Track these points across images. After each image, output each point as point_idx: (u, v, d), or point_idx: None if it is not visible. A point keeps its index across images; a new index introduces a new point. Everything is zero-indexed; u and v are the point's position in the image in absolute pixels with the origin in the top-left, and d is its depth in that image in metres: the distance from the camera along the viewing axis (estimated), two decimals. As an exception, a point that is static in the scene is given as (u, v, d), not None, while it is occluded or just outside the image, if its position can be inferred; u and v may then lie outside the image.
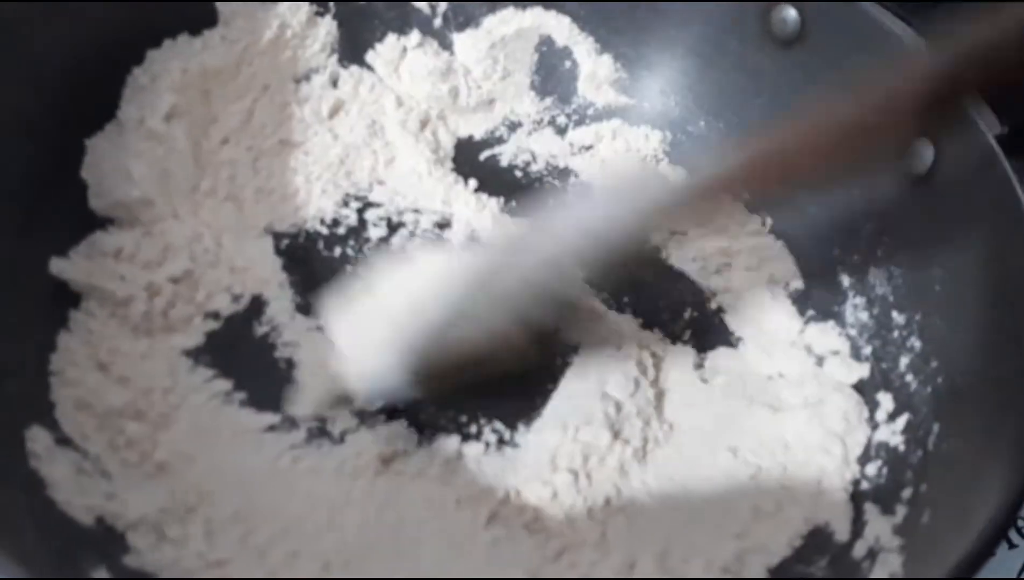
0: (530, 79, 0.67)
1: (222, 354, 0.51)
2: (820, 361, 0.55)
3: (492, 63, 0.66)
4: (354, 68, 0.64)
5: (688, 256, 0.60)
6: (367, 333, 0.49)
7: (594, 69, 0.66)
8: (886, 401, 0.52)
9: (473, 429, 0.51)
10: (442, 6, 0.65)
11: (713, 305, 0.58)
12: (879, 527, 0.46)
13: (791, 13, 0.59)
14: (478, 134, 0.65)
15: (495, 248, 0.55)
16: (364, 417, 0.50)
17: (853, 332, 0.56)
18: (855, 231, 0.57)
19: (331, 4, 0.63)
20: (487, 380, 0.49)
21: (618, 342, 0.53)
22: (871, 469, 0.50)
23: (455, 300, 0.48)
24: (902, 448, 0.50)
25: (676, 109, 0.66)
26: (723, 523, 0.47)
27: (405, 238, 0.59)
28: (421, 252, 0.55)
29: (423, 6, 0.65)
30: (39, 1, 0.50)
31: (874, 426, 0.51)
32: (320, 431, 0.49)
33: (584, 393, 0.51)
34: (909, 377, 0.52)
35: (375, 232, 0.59)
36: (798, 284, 0.59)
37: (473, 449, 0.49)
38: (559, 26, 0.66)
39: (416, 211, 0.60)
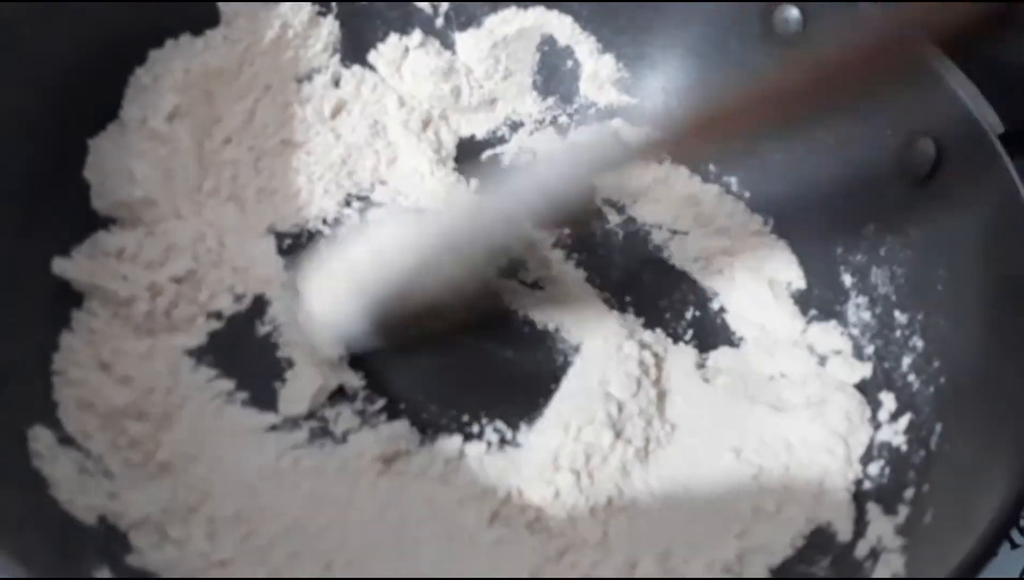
0: (532, 79, 0.67)
1: (224, 354, 0.51)
2: (822, 361, 0.55)
3: (494, 63, 0.66)
4: (356, 68, 0.64)
5: (690, 256, 0.60)
6: (332, 287, 0.51)
7: (596, 69, 0.66)
8: (888, 401, 0.52)
9: (475, 429, 0.51)
10: (444, 6, 0.65)
11: (715, 305, 0.58)
12: (881, 527, 0.46)
13: (793, 13, 0.59)
14: (480, 134, 0.65)
15: (455, 209, 0.58)
16: (366, 416, 0.50)
17: (855, 332, 0.56)
18: (857, 231, 0.57)
19: (333, 4, 0.63)
20: (486, 379, 0.50)
21: (620, 342, 0.53)
22: (873, 469, 0.50)
23: (415, 256, 0.50)
24: (904, 448, 0.49)
25: (678, 108, 0.65)
26: (725, 523, 0.48)
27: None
28: (388, 218, 0.58)
29: (425, 6, 0.65)
30: (40, 1, 0.50)
31: (876, 426, 0.51)
32: (322, 431, 0.49)
33: (586, 393, 0.51)
34: (911, 377, 0.52)
35: (377, 232, 0.59)
36: (800, 284, 0.59)
37: (475, 449, 0.49)
38: (561, 26, 0.66)
39: (418, 211, 0.60)
